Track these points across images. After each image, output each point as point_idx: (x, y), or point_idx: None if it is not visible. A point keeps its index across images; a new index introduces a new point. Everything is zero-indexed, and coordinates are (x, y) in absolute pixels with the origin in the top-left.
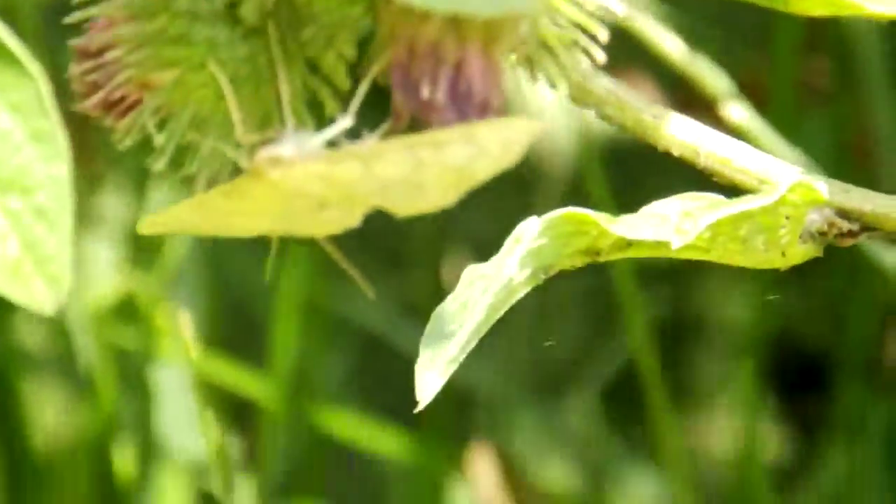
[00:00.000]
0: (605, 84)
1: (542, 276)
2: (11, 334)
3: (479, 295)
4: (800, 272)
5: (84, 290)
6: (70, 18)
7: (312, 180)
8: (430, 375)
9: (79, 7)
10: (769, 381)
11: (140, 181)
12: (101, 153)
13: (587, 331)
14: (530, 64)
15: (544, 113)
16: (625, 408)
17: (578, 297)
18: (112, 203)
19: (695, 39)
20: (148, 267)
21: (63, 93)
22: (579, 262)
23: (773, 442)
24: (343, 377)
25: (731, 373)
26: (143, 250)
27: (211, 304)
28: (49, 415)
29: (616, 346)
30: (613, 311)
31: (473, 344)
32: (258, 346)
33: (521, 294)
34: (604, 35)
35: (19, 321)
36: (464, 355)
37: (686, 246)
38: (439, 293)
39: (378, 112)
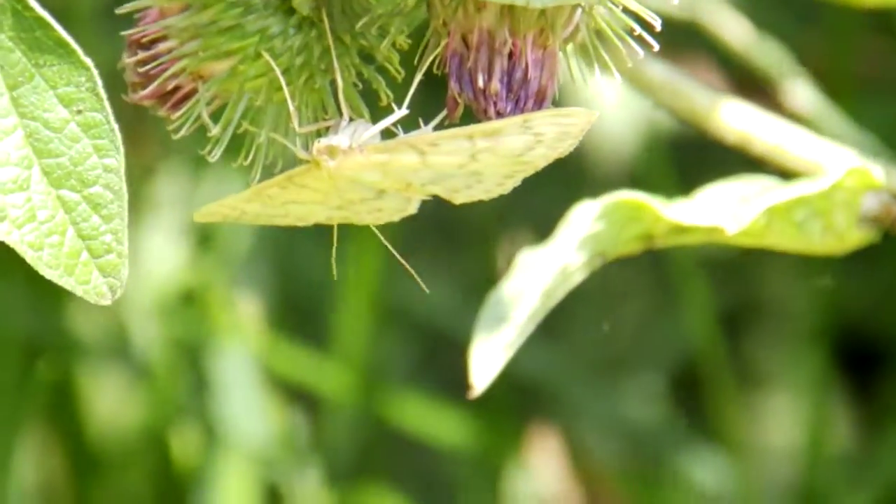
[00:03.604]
0: (659, 71)
1: (599, 262)
2: (70, 324)
3: (534, 280)
4: (865, 258)
5: (144, 280)
6: (122, 9)
7: (369, 169)
8: (486, 360)
9: None
10: (835, 366)
11: (196, 171)
12: (155, 143)
13: (651, 316)
14: (585, 53)
15: (602, 103)
16: (689, 392)
17: (643, 285)
18: (169, 192)
19: (754, 23)
20: (209, 256)
21: (117, 85)
22: (636, 247)
23: (838, 427)
24: (406, 364)
25: (797, 359)
26: (203, 239)
27: (275, 293)
28: (108, 404)
29: (682, 331)
30: (678, 298)
31: (531, 329)
32: (322, 334)
33: (577, 279)
34: (658, 23)
35: (78, 311)
36: (521, 340)
37: (742, 232)
38: (495, 279)
39: (433, 102)
